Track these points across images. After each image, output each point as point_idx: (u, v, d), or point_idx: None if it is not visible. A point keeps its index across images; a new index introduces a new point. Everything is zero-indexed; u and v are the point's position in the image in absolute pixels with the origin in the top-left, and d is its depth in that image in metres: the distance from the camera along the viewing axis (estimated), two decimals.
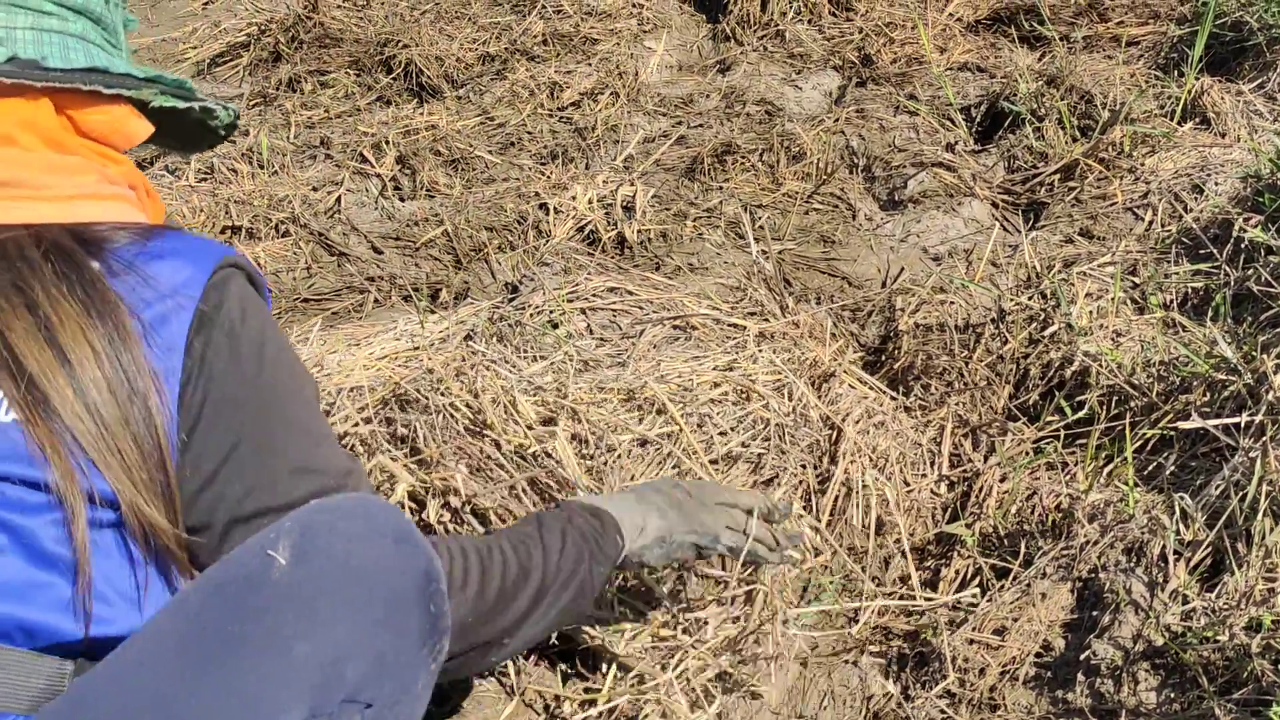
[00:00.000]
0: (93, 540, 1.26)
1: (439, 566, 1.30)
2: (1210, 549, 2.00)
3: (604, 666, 2.05)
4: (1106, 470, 2.35)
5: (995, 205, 3.49)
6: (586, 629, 2.04)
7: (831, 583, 2.29)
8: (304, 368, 1.52)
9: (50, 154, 1.41)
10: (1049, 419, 2.55)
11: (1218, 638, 1.84)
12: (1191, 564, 1.99)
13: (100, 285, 1.33)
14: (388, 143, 3.86)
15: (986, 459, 2.49)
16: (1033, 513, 2.30)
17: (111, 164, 1.49)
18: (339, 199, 3.64)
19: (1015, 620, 2.06)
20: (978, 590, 2.21)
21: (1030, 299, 2.84)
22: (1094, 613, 2.02)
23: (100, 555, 1.27)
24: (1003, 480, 2.40)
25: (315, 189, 3.69)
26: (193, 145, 1.72)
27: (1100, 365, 2.54)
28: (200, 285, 1.37)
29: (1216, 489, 2.07)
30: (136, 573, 1.30)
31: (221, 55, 4.83)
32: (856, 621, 2.24)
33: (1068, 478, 2.36)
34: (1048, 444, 2.49)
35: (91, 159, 1.46)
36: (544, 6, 4.86)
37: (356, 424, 2.36)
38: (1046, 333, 2.70)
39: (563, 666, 2.09)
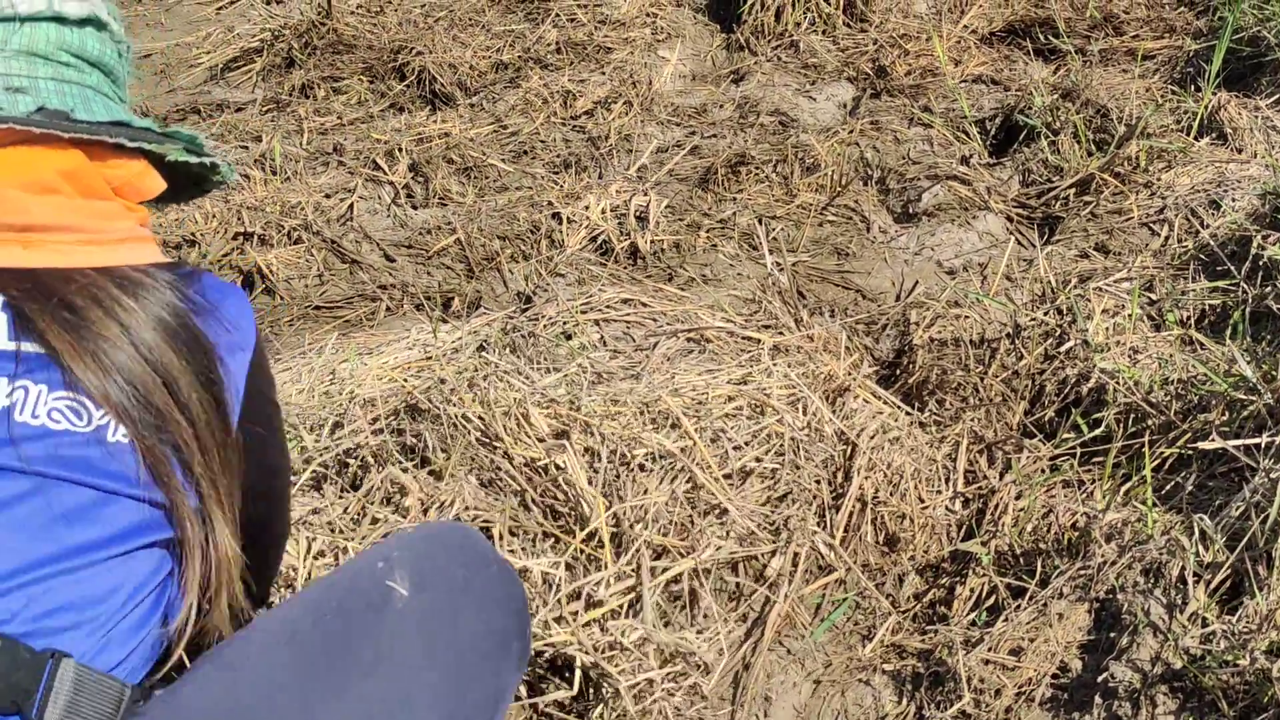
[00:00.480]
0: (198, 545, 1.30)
1: (523, 592, 1.37)
2: (1230, 571, 1.98)
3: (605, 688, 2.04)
4: (1124, 489, 2.33)
5: (1010, 219, 3.47)
6: (583, 654, 2.02)
7: (845, 600, 2.27)
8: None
9: (94, 202, 1.40)
10: (1065, 436, 2.53)
11: (1238, 662, 1.82)
12: (1211, 586, 1.97)
13: (187, 321, 1.34)
14: (401, 150, 3.85)
15: (1002, 476, 2.47)
16: (1049, 531, 2.28)
17: (134, 213, 1.47)
18: (351, 206, 3.63)
19: (1032, 641, 2.04)
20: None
21: (1046, 314, 2.82)
22: (1111, 634, 2.00)
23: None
24: (1018, 498, 2.38)
25: (328, 196, 3.68)
26: (185, 195, 1.69)
27: (1117, 383, 2.52)
28: (252, 323, 1.43)
29: (1236, 510, 2.05)
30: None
31: (235, 60, 4.82)
32: (870, 640, 2.22)
33: (1084, 496, 2.34)
34: (1064, 461, 2.47)
35: (120, 207, 1.45)
36: (558, 15, 4.85)
37: (367, 435, 2.34)
38: (1062, 349, 2.68)
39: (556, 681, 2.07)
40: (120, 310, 1.30)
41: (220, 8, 5.39)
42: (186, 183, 1.63)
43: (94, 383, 1.25)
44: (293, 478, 2.36)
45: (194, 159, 1.52)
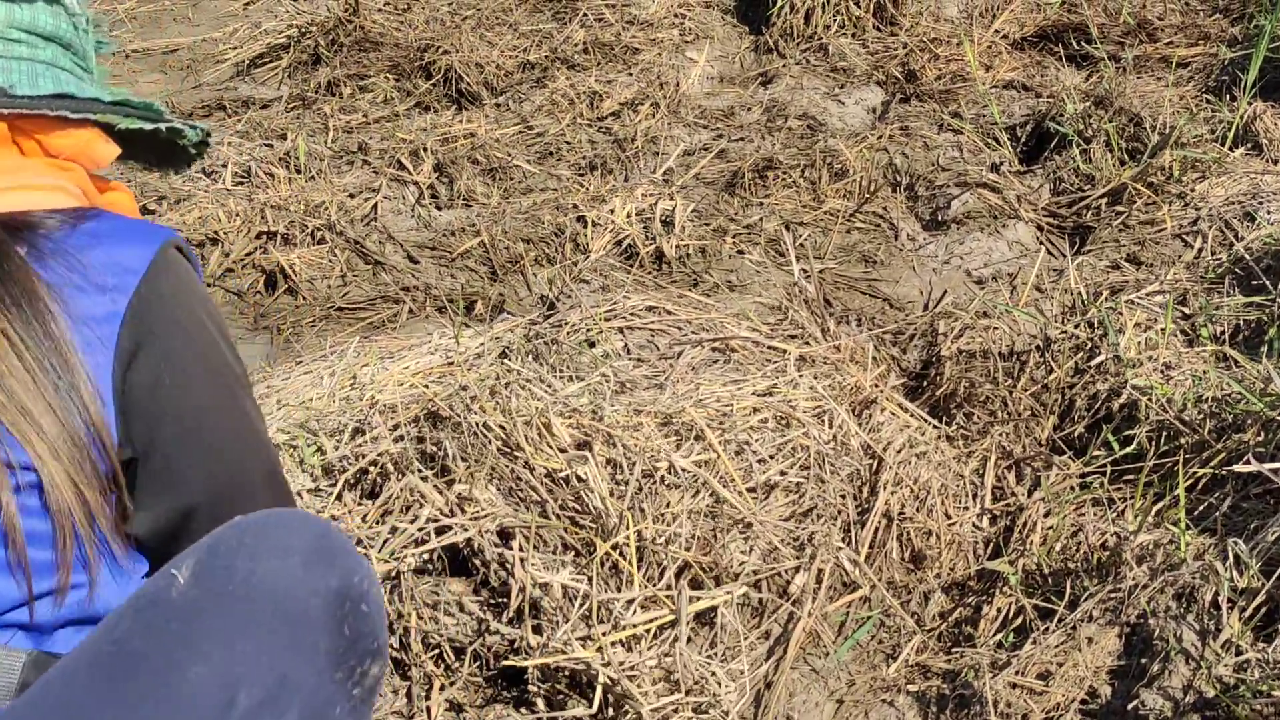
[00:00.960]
0: (21, 505, 1.25)
1: (363, 587, 1.23)
2: (1265, 598, 1.94)
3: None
4: (1156, 510, 2.29)
5: (1040, 228, 3.43)
6: (606, 673, 1.99)
7: (869, 618, 2.24)
8: (235, 351, 1.51)
9: None
10: (1095, 453, 2.49)
11: (1273, 692, 1.78)
12: (1246, 613, 1.93)
13: (21, 274, 1.32)
14: (426, 150, 3.83)
15: (1030, 493, 2.43)
16: (1078, 551, 2.24)
17: (63, 172, 1.48)
18: (375, 206, 3.60)
19: (1060, 665, 2.00)
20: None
21: (1076, 327, 2.78)
22: (1142, 660, 1.96)
23: (30, 519, 1.26)
24: (1047, 516, 2.34)
25: (352, 195, 3.66)
26: (167, 163, 1.73)
27: (1150, 400, 2.47)
28: (136, 271, 1.38)
29: (1272, 535, 2.01)
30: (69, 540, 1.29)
31: (261, 57, 4.80)
32: (895, 659, 2.18)
33: (1115, 516, 2.30)
34: (1094, 479, 2.43)
35: (40, 165, 1.46)
36: (586, 15, 4.82)
37: (388, 442, 2.32)
38: (1093, 363, 2.64)
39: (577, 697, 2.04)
40: None
41: (248, 4, 5.37)
42: (169, 149, 1.68)
43: None
44: (311, 484, 2.34)
45: (148, 125, 1.56)
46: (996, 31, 4.51)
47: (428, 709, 2.07)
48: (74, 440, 1.29)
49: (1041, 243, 3.36)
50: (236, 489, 1.46)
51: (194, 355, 1.42)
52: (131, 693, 1.13)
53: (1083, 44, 4.34)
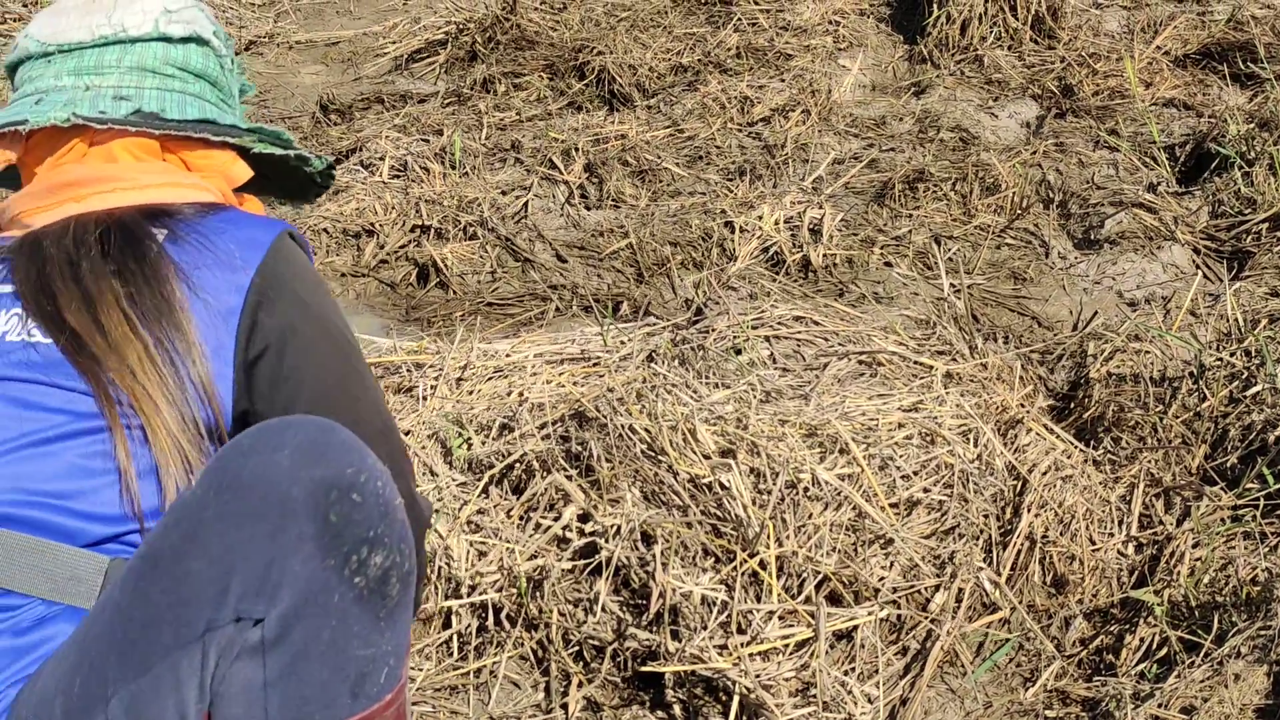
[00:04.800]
0: (134, 454, 1.45)
1: (355, 479, 1.27)
2: None
3: None
4: None
5: (1197, 251, 3.36)
6: (743, 682, 2.00)
7: (1009, 640, 2.22)
8: (346, 323, 1.71)
9: (142, 162, 1.71)
10: (1249, 486, 2.43)
11: None
12: None
13: (152, 258, 1.55)
14: (577, 150, 3.87)
15: (1179, 523, 2.39)
16: (1227, 585, 2.20)
17: (205, 179, 1.75)
18: (526, 204, 3.66)
19: (1205, 700, 1.97)
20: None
21: (1232, 355, 2.72)
22: None
23: (139, 464, 1.46)
24: (1196, 546, 2.30)
25: (504, 192, 3.72)
26: (297, 197, 2.05)
27: None
28: (259, 251, 1.59)
29: None
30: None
31: (419, 52, 4.90)
32: (1033, 683, 2.16)
33: (1267, 550, 2.25)
34: (1246, 512, 2.38)
35: (169, 167, 1.73)
36: (740, 19, 4.83)
37: (536, 440, 2.36)
38: (1249, 393, 2.59)
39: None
40: (81, 253, 1.55)
41: None
42: (297, 177, 1.95)
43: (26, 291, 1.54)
44: (460, 477, 2.39)
45: (279, 150, 1.82)
46: (1158, 48, 4.43)
47: (565, 705, 2.11)
48: (180, 406, 1.48)
49: (1198, 266, 3.30)
50: None
51: (310, 322, 1.60)
52: (148, 588, 1.25)
53: (1248, 63, 4.24)
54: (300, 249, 1.68)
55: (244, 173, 1.81)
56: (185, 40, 1.77)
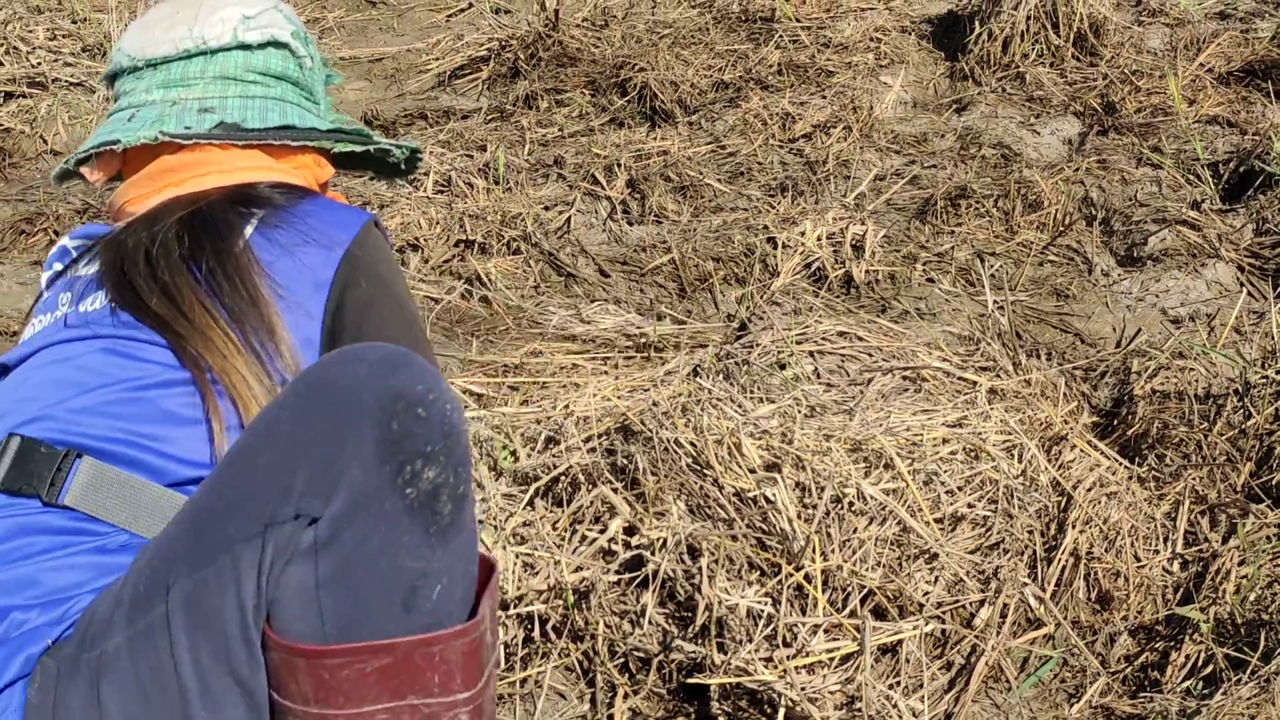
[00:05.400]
0: (230, 439, 1.53)
1: (425, 396, 1.33)
2: None
3: None
4: None
5: (1241, 269, 3.35)
6: (789, 694, 2.01)
7: (1053, 656, 2.23)
8: (417, 306, 1.86)
9: (229, 150, 1.81)
10: None
11: None
12: None
13: (237, 252, 1.64)
14: (619, 165, 3.90)
15: (1225, 540, 2.38)
16: (1273, 602, 2.20)
17: (294, 171, 1.86)
18: (569, 220, 3.68)
19: (1252, 718, 1.96)
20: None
21: (1278, 372, 2.72)
22: None
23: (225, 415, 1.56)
24: (1242, 564, 2.30)
25: (547, 208, 3.74)
26: (385, 175, 2.14)
27: None
28: (349, 233, 1.70)
29: None
30: None
31: (462, 68, 4.94)
32: (1078, 700, 2.16)
33: None
34: None
35: (256, 154, 1.84)
36: (781, 36, 4.85)
37: (582, 452, 2.38)
38: None
39: None
40: (160, 250, 1.65)
41: (450, 15, 5.52)
42: (384, 164, 2.07)
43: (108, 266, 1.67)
44: (505, 489, 2.41)
45: (359, 149, 1.93)
46: (1201, 65, 4.42)
47: (611, 716, 2.12)
48: (269, 390, 1.57)
49: (1242, 284, 3.29)
50: None
51: (389, 298, 1.72)
52: (221, 483, 1.35)
53: None
54: (383, 236, 1.80)
55: (326, 173, 1.93)
56: (263, 46, 1.86)
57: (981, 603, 2.21)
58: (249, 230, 1.68)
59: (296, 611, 1.30)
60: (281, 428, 1.32)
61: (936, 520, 2.27)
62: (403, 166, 2.08)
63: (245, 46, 1.84)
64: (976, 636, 2.18)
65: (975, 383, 2.65)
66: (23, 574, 1.42)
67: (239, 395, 1.55)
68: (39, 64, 4.72)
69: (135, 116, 1.80)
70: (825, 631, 2.09)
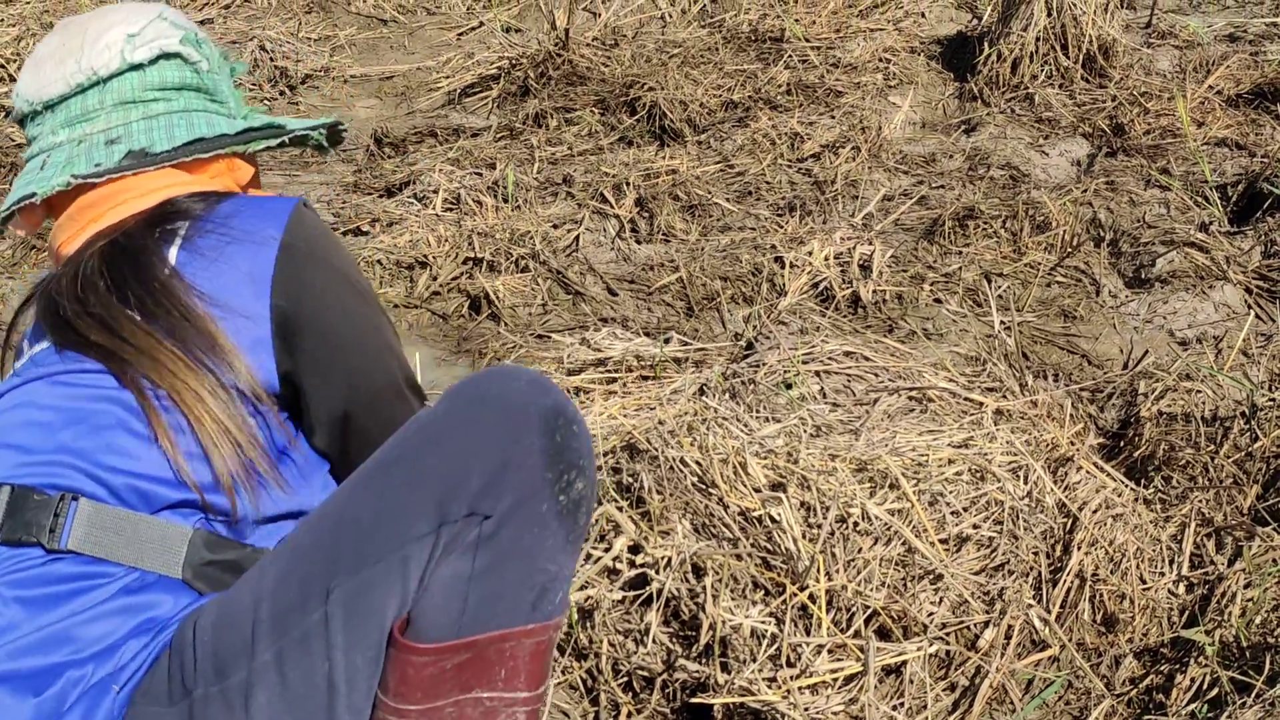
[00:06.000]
0: (186, 451, 1.54)
1: (574, 415, 1.47)
2: None
3: None
4: None
5: (1249, 291, 3.35)
6: (792, 713, 2.01)
7: (1058, 678, 2.22)
8: (366, 282, 1.79)
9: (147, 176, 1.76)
10: None
11: None
12: None
13: (163, 279, 1.61)
14: (628, 184, 3.91)
15: (1231, 563, 2.38)
16: (1279, 626, 2.19)
17: (212, 180, 1.82)
18: (577, 238, 3.69)
19: None
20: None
21: None
22: None
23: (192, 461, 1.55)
24: (1248, 587, 2.29)
25: (555, 226, 3.75)
26: (319, 150, 2.06)
27: None
28: (280, 221, 1.67)
29: None
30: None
31: (472, 86, 4.96)
32: None
33: None
34: None
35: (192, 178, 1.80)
36: (790, 56, 4.86)
37: None
38: None
39: None
40: (92, 294, 1.62)
41: (461, 34, 5.55)
42: (306, 143, 2.01)
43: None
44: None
45: (274, 141, 1.88)
46: (1210, 87, 4.42)
47: None
48: (225, 402, 1.56)
49: (1250, 306, 3.29)
50: (378, 393, 1.75)
51: (333, 282, 1.70)
52: (381, 488, 1.41)
53: None
54: (315, 213, 1.76)
55: (247, 172, 1.89)
56: (154, 61, 1.80)
57: (986, 624, 2.20)
58: (173, 251, 1.65)
59: (440, 600, 1.41)
60: (451, 434, 1.41)
61: (941, 541, 2.27)
62: (325, 144, 2.03)
63: (137, 67, 1.78)
64: (981, 658, 2.17)
65: (981, 403, 2.65)
66: (55, 632, 1.42)
67: (190, 410, 1.54)
68: None
69: (47, 163, 1.77)
70: (829, 652, 2.09)
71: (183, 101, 1.82)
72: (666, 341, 3.13)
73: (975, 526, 2.31)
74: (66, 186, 1.71)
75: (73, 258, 1.69)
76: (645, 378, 2.88)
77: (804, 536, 2.20)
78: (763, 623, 2.10)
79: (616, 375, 2.93)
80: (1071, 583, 2.31)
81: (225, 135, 1.82)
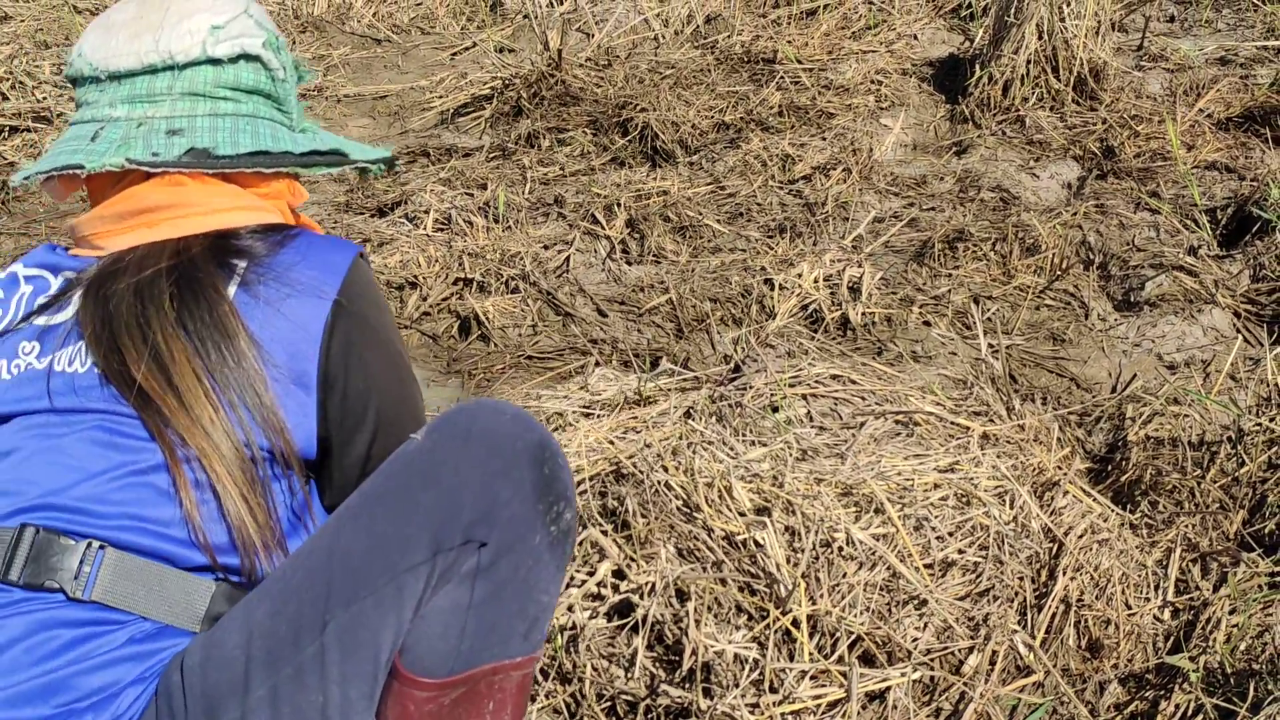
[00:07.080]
0: (200, 501, 1.51)
1: (557, 448, 1.50)
2: None
3: None
4: None
5: (1238, 315, 3.36)
6: None
7: (1043, 704, 2.22)
8: (401, 340, 1.80)
9: (206, 184, 1.70)
10: None
11: None
12: None
13: (220, 313, 1.57)
14: (619, 205, 3.91)
15: (1216, 589, 2.38)
16: (1264, 652, 2.19)
17: (268, 200, 1.78)
18: (568, 259, 3.69)
19: None
20: None
21: (1272, 420, 2.72)
22: None
23: (208, 515, 1.52)
24: (1233, 613, 2.29)
25: (546, 247, 3.76)
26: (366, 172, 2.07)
27: None
28: (337, 276, 1.64)
29: None
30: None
31: (465, 106, 4.97)
32: None
33: None
34: None
35: (250, 193, 1.75)
36: (782, 78, 4.88)
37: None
38: None
39: None
40: (152, 309, 1.57)
41: (455, 54, 5.56)
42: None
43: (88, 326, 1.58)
44: None
45: (334, 170, 1.85)
46: (1200, 110, 4.44)
47: None
48: (243, 461, 1.53)
49: (1239, 330, 3.29)
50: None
51: (378, 356, 1.69)
52: (371, 521, 1.42)
53: None
54: (369, 267, 1.75)
55: (302, 195, 1.87)
56: (234, 59, 1.73)
57: (971, 650, 2.20)
58: (233, 289, 1.60)
59: (439, 629, 1.44)
60: (441, 468, 1.43)
61: (926, 566, 2.26)
62: (376, 172, 2.01)
63: (215, 61, 1.71)
64: (965, 684, 2.17)
65: (968, 428, 2.65)
66: (51, 680, 1.38)
67: (217, 479, 1.51)
68: (44, 99, 4.75)
69: (100, 136, 1.68)
70: (812, 678, 2.08)
71: (251, 106, 1.76)
72: (654, 365, 3.13)
73: (960, 551, 2.31)
74: (119, 169, 1.64)
75: (128, 267, 1.62)
76: (633, 402, 2.88)
77: (788, 561, 2.20)
78: (746, 648, 2.09)
79: (608, 410, 2.93)
80: (1057, 608, 2.31)
81: (289, 154, 1.75)
